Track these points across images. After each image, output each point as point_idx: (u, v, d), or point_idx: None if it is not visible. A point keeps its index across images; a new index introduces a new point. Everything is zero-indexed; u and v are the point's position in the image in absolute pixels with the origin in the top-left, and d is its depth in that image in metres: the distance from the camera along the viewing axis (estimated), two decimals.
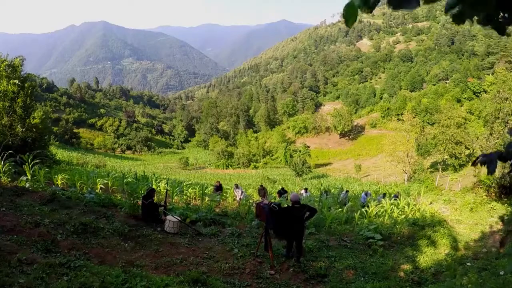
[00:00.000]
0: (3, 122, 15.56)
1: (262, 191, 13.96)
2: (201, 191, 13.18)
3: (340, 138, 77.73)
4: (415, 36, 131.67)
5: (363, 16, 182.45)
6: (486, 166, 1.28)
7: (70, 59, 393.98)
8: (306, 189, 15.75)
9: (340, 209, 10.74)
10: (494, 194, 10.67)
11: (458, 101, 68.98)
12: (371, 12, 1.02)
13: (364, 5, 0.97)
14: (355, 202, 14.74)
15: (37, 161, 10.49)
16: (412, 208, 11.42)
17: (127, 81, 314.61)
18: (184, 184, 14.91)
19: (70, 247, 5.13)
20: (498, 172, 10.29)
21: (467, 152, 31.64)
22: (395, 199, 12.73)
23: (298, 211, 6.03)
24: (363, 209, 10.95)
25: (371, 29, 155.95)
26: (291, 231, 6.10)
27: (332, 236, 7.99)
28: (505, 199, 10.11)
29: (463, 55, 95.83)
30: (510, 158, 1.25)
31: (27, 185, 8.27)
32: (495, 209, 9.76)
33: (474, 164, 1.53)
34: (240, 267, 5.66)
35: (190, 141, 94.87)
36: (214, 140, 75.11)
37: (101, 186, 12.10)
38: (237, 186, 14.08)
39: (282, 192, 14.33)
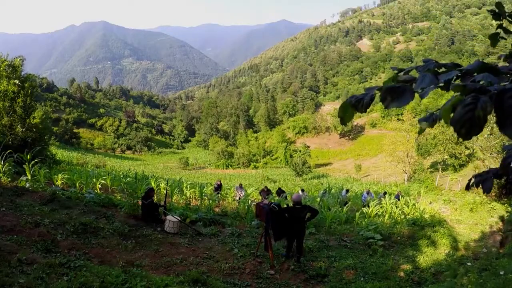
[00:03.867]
0: (3, 122, 15.54)
1: (265, 193, 13.82)
2: (200, 191, 13.15)
3: (340, 138, 77.75)
4: (415, 36, 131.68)
5: (363, 16, 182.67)
6: (481, 186, 1.25)
7: (70, 59, 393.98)
8: (303, 190, 15.61)
9: (340, 209, 10.73)
10: (494, 194, 10.69)
11: None
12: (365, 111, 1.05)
13: (357, 110, 1.02)
14: (356, 202, 14.72)
15: (37, 160, 10.48)
16: (412, 208, 11.42)
17: (127, 81, 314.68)
18: (184, 184, 14.87)
19: (70, 247, 5.12)
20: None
21: (467, 152, 31.58)
22: (396, 199, 12.69)
23: (298, 211, 6.03)
24: (363, 209, 10.95)
25: (371, 29, 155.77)
26: (292, 232, 6.10)
27: (332, 236, 7.99)
28: (505, 199, 10.12)
29: (463, 55, 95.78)
30: (507, 174, 1.23)
31: (27, 185, 8.25)
32: (495, 209, 9.77)
33: (467, 187, 1.49)
34: (240, 267, 5.66)
35: (190, 141, 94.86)
36: (214, 140, 75.09)
37: (100, 186, 12.09)
38: (240, 186, 14.07)
39: (279, 192, 14.34)
